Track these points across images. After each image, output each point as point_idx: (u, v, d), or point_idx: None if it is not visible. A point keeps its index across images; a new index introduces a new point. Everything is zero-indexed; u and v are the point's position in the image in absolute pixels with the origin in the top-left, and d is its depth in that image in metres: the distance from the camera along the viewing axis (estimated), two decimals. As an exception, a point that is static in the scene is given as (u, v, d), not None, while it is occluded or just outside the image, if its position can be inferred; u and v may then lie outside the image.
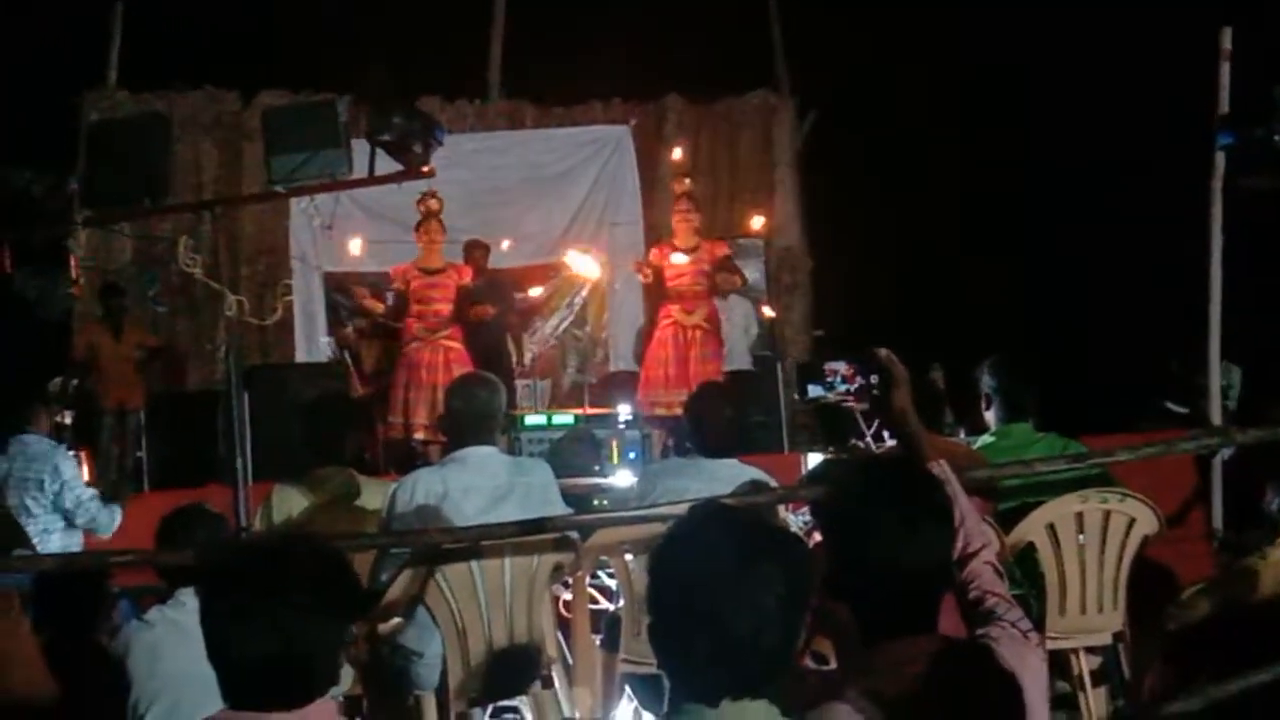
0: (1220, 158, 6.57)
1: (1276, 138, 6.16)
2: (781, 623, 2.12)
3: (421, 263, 9.13)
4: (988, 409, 4.94)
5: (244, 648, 2.31)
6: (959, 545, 2.73)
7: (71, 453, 6.57)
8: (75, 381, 9.65)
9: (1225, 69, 6.61)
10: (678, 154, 10.91)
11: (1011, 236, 11.73)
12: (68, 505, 6.24)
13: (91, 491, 6.42)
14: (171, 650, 3.76)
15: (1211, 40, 6.65)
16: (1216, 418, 6.95)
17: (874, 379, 3.62)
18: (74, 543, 6.36)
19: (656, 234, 11.16)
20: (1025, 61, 11.41)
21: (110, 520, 6.42)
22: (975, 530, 2.85)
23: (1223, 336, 6.78)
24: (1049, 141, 11.59)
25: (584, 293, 11.23)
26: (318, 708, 2.37)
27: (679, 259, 8.96)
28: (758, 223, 11.33)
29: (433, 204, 9.10)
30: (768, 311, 10.59)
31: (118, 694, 3.78)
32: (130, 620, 4.05)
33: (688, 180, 9.66)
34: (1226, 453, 6.45)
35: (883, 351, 3.62)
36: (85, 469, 8.09)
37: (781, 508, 5.13)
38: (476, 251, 10.11)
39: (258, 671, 2.32)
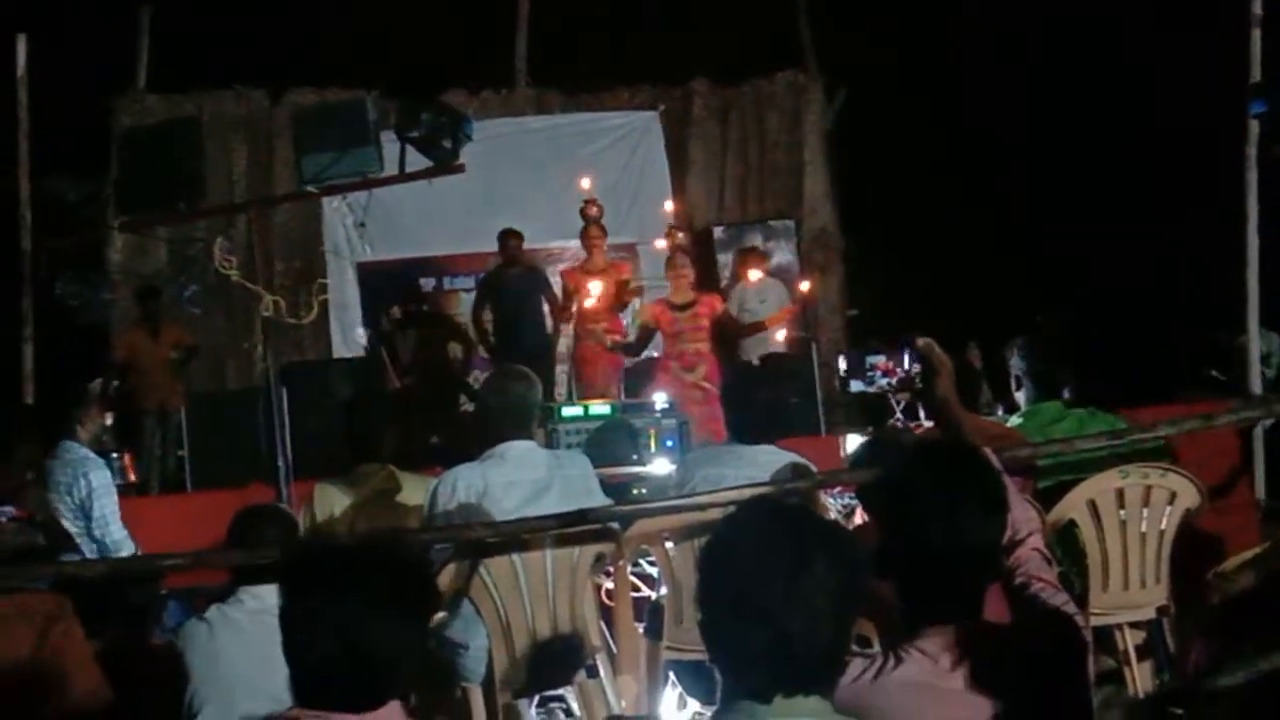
0: (1254, 125, 6.52)
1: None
2: (835, 619, 2.11)
3: (584, 265, 9.49)
4: (1018, 390, 4.93)
5: (316, 650, 2.33)
6: (1007, 532, 2.73)
7: (106, 465, 6.55)
8: (115, 383, 9.74)
9: (1256, 36, 6.56)
10: (669, 206, 10.82)
11: (1046, 210, 11.65)
12: (95, 514, 6.26)
13: (115, 509, 6.37)
14: (228, 648, 3.81)
15: (1243, 7, 6.60)
16: (1257, 386, 6.92)
17: (915, 367, 3.63)
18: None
19: (685, 220, 11.13)
20: (1058, 31, 11.32)
21: (119, 550, 6.37)
22: (1022, 517, 2.86)
23: (1260, 304, 6.74)
24: (1083, 111, 11.51)
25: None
26: (386, 710, 2.40)
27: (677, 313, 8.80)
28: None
29: (592, 210, 9.52)
30: (803, 287, 10.57)
31: (171, 695, 3.82)
32: (188, 619, 4.09)
33: (680, 235, 9.60)
34: (1268, 422, 6.41)
35: (922, 341, 3.63)
36: (130, 473, 8.15)
37: (820, 490, 5.13)
38: (512, 240, 10.14)
39: (328, 674, 2.34)
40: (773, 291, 10.09)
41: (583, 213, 9.58)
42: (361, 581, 2.39)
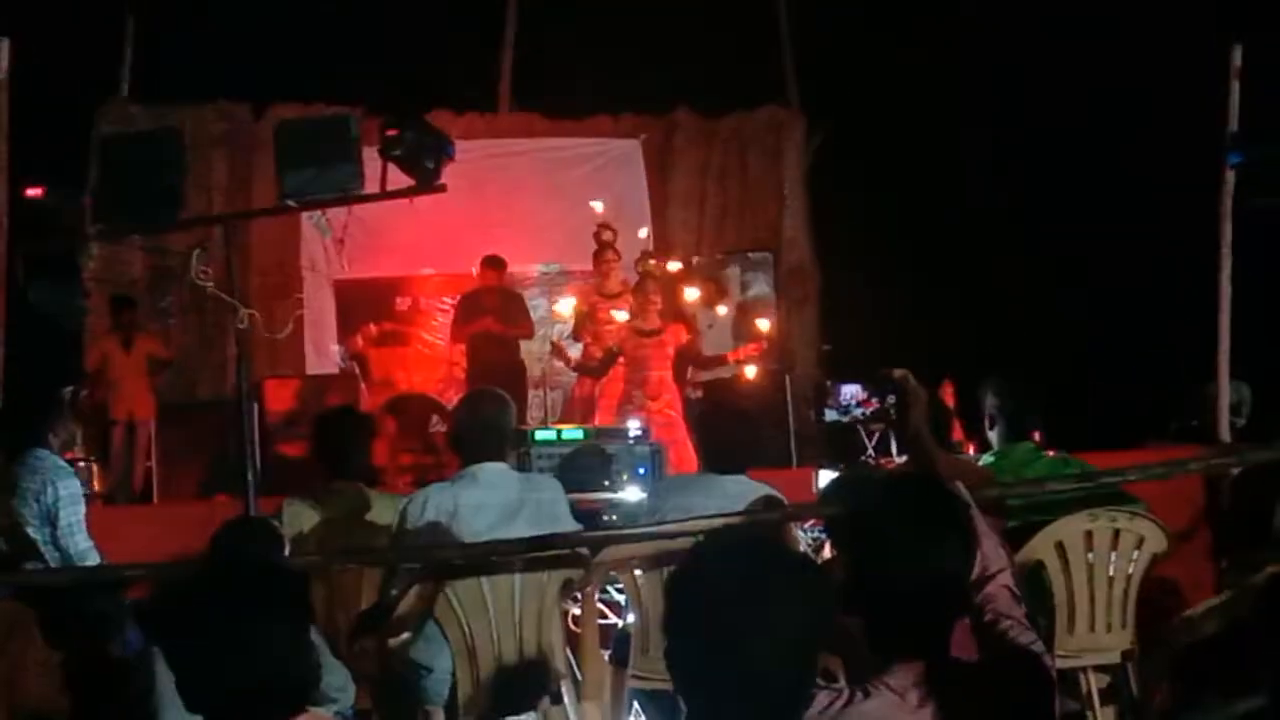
0: (1230, 176, 6.57)
1: (1286, 157, 6.16)
2: (801, 651, 2.11)
3: (599, 289, 9.56)
4: (991, 429, 4.95)
5: (206, 684, 2.33)
6: (976, 568, 2.74)
7: (76, 474, 6.48)
8: (85, 392, 9.68)
9: (1235, 87, 6.61)
10: (643, 233, 10.89)
11: (1021, 253, 11.73)
12: (61, 522, 6.18)
13: (81, 518, 6.30)
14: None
15: (1222, 58, 6.65)
16: (1225, 435, 6.95)
17: (890, 399, 3.64)
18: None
19: (665, 248, 11.18)
20: (1034, 79, 11.42)
21: (83, 560, 6.29)
22: (992, 553, 2.86)
23: (1231, 354, 6.77)
24: (1059, 158, 11.60)
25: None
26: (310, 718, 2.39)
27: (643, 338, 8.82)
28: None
29: (606, 235, 9.63)
30: (762, 325, 10.65)
31: (131, 705, 3.79)
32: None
33: (653, 262, 9.64)
34: (1235, 470, 6.44)
35: (898, 372, 3.63)
36: (94, 483, 8.08)
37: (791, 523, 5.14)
38: (492, 269, 10.15)
39: (234, 697, 2.33)
40: (720, 329, 10.21)
41: (597, 237, 9.65)
42: (227, 607, 2.39)
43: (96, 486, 8.84)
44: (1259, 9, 7.47)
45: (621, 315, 8.99)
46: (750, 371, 9.46)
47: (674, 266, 10.06)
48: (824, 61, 12.18)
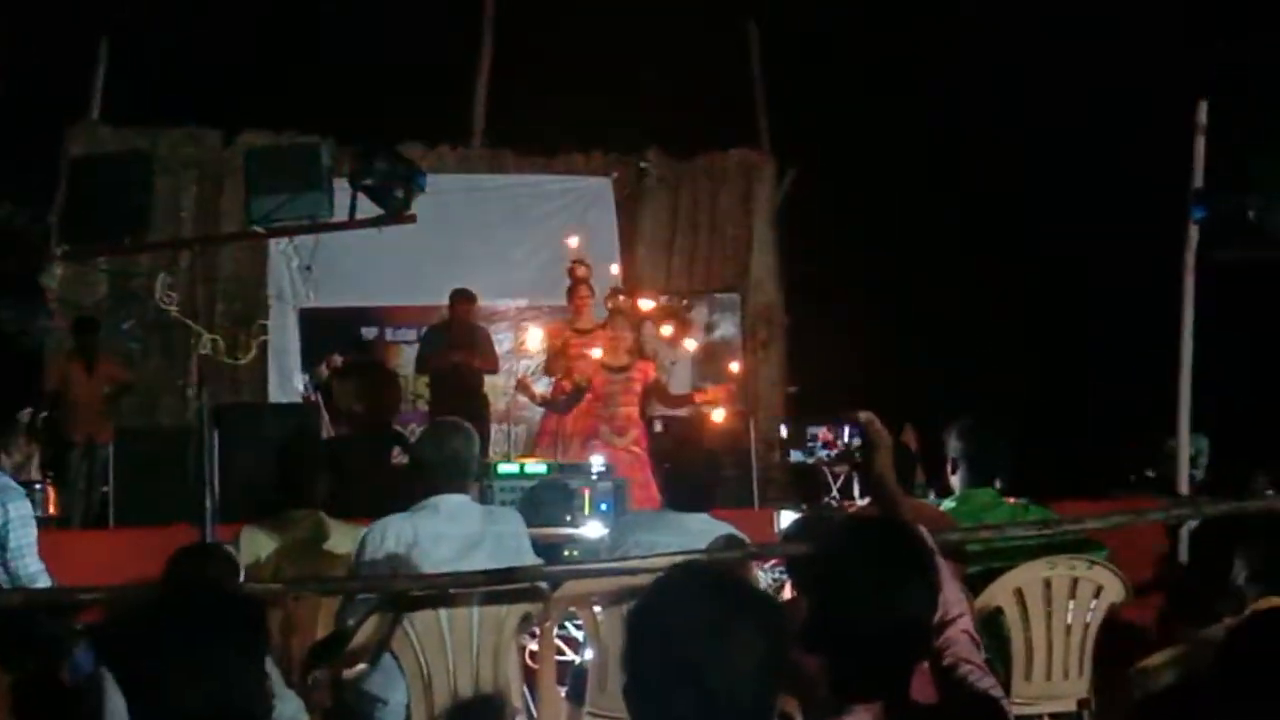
0: (1194, 230, 6.64)
1: (1249, 211, 6.23)
2: (759, 686, 2.11)
3: (572, 324, 9.55)
4: (953, 473, 4.96)
5: (167, 704, 2.30)
6: (937, 613, 2.74)
7: (28, 496, 6.38)
8: (44, 414, 9.58)
9: (1200, 142, 6.69)
10: (615, 270, 10.96)
11: (986, 300, 11.81)
12: (11, 544, 6.08)
13: (32, 541, 6.19)
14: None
15: (1187, 114, 6.74)
16: (1184, 487, 7.00)
17: (855, 441, 3.63)
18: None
19: (633, 287, 11.20)
20: (1002, 131, 11.54)
21: (33, 583, 6.18)
22: (953, 598, 2.86)
23: (1192, 405, 6.83)
24: (1024, 207, 11.71)
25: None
26: None
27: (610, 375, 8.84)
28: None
29: (580, 270, 9.64)
30: (734, 368, 10.66)
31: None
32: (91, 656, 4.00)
33: (621, 297, 9.69)
34: (1193, 522, 6.49)
35: (864, 414, 3.63)
36: (50, 506, 7.98)
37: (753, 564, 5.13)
38: (461, 304, 10.13)
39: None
40: (683, 366, 10.23)
41: (571, 272, 9.65)
42: (182, 633, 2.37)
43: (52, 510, 8.72)
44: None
45: (595, 352, 8.99)
46: (717, 415, 9.47)
47: (647, 304, 10.07)
48: (796, 105, 12.27)
